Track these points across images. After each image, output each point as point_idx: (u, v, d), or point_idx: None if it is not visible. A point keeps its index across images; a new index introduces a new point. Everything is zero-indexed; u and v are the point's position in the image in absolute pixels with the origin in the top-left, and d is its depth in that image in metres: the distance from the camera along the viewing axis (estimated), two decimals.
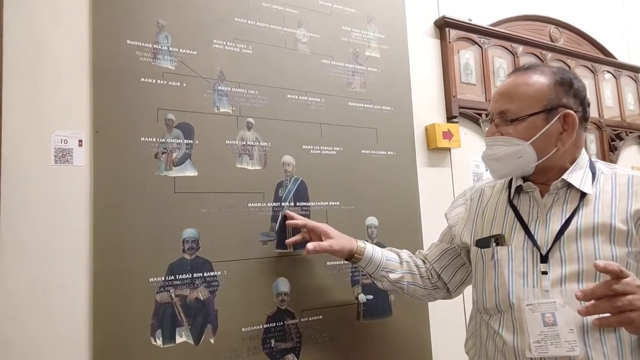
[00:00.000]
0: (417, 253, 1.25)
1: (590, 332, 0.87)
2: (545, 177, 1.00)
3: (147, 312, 1.07)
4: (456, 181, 1.67)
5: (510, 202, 1.04)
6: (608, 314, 0.76)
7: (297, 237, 1.23)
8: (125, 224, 1.08)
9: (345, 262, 1.22)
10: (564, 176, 0.97)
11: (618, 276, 0.75)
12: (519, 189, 1.04)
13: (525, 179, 1.03)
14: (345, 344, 1.32)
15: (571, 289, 0.89)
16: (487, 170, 1.09)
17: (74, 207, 1.04)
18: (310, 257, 1.28)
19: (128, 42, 1.13)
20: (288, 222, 1.25)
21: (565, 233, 0.94)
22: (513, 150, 0.97)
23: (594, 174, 0.98)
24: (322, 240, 1.18)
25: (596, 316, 0.78)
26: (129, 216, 1.08)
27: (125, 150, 1.10)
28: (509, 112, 0.98)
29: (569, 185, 0.97)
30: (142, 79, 1.14)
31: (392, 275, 1.18)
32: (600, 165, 1.02)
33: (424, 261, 1.22)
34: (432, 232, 1.37)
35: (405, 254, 1.23)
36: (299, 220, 1.24)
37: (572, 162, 0.99)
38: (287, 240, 1.24)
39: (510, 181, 1.07)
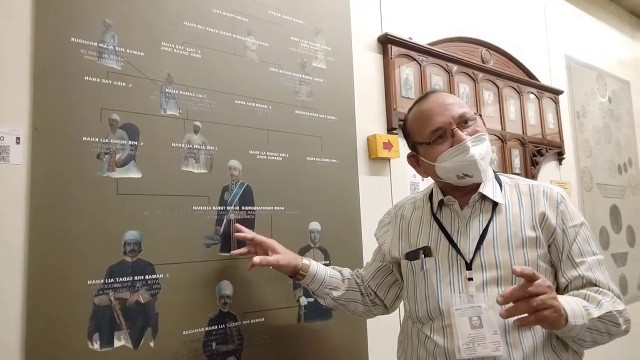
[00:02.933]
0: (355, 272, 1.30)
1: (510, 332, 0.96)
2: (464, 191, 1.08)
3: (84, 316, 1.05)
4: (394, 189, 1.76)
5: (434, 215, 1.12)
6: (526, 314, 0.84)
7: (243, 250, 1.25)
8: (63, 225, 1.05)
9: (290, 278, 1.25)
10: (480, 189, 1.06)
11: (531, 279, 0.84)
12: (441, 203, 1.11)
13: (444, 193, 1.11)
14: (286, 346, 1.35)
15: (493, 293, 0.98)
16: (464, 176, 1.04)
17: (8, 206, 1.00)
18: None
19: (72, 39, 1.11)
20: (236, 234, 1.26)
21: (484, 242, 1.03)
22: (488, 144, 1.05)
23: (500, 185, 1.09)
24: (268, 255, 1.20)
25: (517, 317, 0.85)
26: (68, 217, 1.05)
27: (66, 149, 1.07)
28: (467, 114, 1.05)
29: (483, 197, 1.07)
30: (86, 78, 1.12)
31: (334, 293, 1.22)
32: (502, 177, 1.12)
33: (362, 280, 1.27)
34: (371, 237, 1.43)
35: (346, 271, 1.28)
36: (247, 233, 1.26)
37: None
38: (232, 252, 1.26)
39: (430, 196, 1.15)
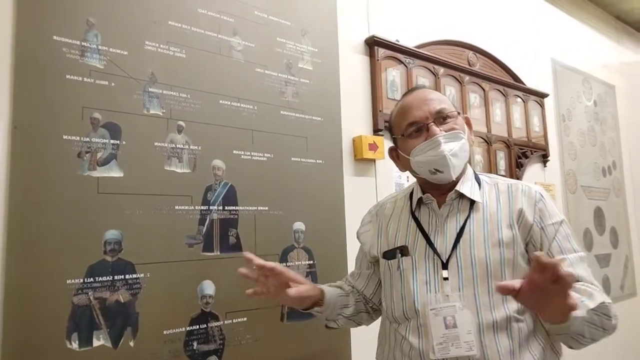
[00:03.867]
0: (344, 281, 1.28)
1: (485, 332, 0.96)
2: (442, 189, 1.08)
3: (63, 315, 1.04)
4: (379, 191, 1.77)
5: (413, 213, 1.12)
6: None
7: (257, 289, 1.07)
8: (42, 223, 1.04)
9: (304, 311, 1.13)
10: (457, 187, 1.06)
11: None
12: (420, 201, 1.11)
13: (424, 191, 1.11)
14: (268, 346, 1.35)
15: (468, 293, 0.98)
16: (436, 172, 1.03)
17: None
18: (236, 260, 1.30)
19: (55, 37, 1.10)
20: (256, 261, 1.03)
21: (461, 241, 1.03)
22: (463, 142, 1.04)
23: (479, 184, 1.09)
24: (286, 285, 1.05)
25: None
26: (47, 215, 1.05)
27: (46, 147, 1.07)
28: (445, 110, 1.04)
29: (461, 195, 1.07)
30: (67, 76, 1.11)
31: (347, 311, 1.18)
32: (482, 176, 1.13)
33: (356, 290, 1.25)
34: (355, 238, 1.44)
35: (346, 285, 1.25)
36: (265, 262, 1.04)
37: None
38: (247, 292, 1.07)
39: (411, 194, 1.15)
